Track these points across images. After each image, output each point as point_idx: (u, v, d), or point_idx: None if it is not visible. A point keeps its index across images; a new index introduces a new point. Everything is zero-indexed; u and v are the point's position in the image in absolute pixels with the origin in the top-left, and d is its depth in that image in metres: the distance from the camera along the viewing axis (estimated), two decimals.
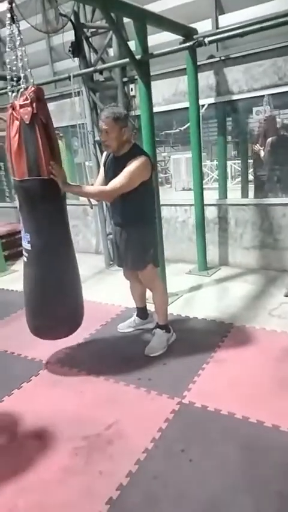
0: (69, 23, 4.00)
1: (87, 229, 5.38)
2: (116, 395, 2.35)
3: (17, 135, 2.16)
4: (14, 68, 2.34)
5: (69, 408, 2.27)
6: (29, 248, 2.36)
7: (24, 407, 2.31)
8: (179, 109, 4.37)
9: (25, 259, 2.42)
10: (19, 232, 5.50)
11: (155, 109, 3.32)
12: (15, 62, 2.32)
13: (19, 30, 2.26)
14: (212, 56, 3.87)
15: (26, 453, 1.96)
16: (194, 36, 3.49)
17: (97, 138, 4.52)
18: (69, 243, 2.52)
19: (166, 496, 1.66)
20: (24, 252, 2.42)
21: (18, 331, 3.19)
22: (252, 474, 1.72)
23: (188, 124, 4.37)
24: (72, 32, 4.14)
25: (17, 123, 2.16)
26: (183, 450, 1.90)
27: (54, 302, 2.46)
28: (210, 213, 4.35)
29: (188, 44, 3.32)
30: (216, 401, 2.19)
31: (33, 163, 2.19)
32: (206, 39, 3.14)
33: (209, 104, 4.18)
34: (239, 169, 7.48)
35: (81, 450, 1.95)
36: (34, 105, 2.13)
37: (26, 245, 2.38)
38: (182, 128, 5.48)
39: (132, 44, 3.24)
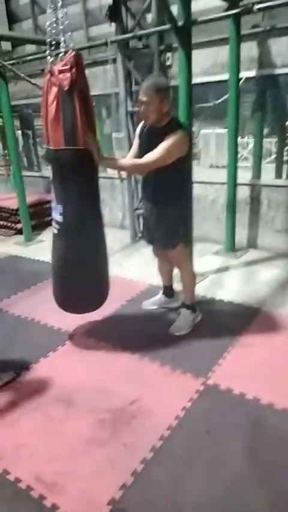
0: None
1: (114, 203, 5.33)
2: (141, 371, 2.38)
3: (55, 102, 2.09)
4: (54, 31, 2.26)
5: (95, 380, 2.31)
6: (61, 220, 2.33)
7: (51, 376, 2.36)
8: (216, 81, 4.17)
9: (55, 231, 2.40)
10: (46, 202, 5.55)
11: (192, 80, 3.17)
12: (55, 25, 2.24)
13: None
14: (256, 26, 3.63)
15: (53, 421, 2.02)
16: (241, 3, 3.27)
17: (130, 108, 4.39)
18: (100, 216, 2.49)
19: (189, 477, 1.68)
20: (54, 224, 2.40)
21: (45, 300, 3.22)
22: (275, 462, 1.72)
23: (224, 97, 4.18)
24: None
25: (55, 89, 2.08)
26: (208, 431, 1.91)
27: (83, 276, 2.45)
28: (242, 192, 4.21)
29: (235, 11, 3.11)
30: (241, 385, 2.18)
31: (70, 133, 2.13)
32: (255, 6, 2.93)
33: (247, 78, 3.96)
34: (272, 148, 7.19)
35: (105, 422, 1.99)
36: (74, 71, 2.05)
37: (57, 217, 2.35)
38: (217, 102, 5.24)
39: (173, 10, 3.06)
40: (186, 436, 1.88)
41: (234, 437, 1.87)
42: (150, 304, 3.08)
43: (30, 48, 5.53)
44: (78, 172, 2.25)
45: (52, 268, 2.55)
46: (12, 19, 5.76)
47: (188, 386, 2.21)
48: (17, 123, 6.26)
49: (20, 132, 6.47)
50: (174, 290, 3.09)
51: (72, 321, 2.85)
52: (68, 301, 2.58)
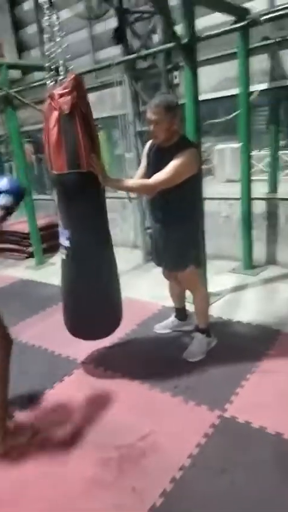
0: (111, 10, 3.86)
1: (125, 223, 5.26)
2: (151, 403, 2.22)
3: (56, 126, 2.04)
4: (53, 56, 2.24)
5: (101, 413, 2.17)
6: (68, 245, 2.25)
7: (56, 407, 2.24)
8: (225, 97, 4.10)
9: (64, 256, 2.32)
10: (57, 225, 5.54)
11: (201, 97, 3.10)
12: (53, 49, 2.22)
13: (57, 16, 2.14)
14: (266, 38, 3.56)
15: (53, 459, 1.88)
16: (247, 17, 3.21)
17: (138, 129, 4.36)
18: (109, 238, 2.40)
19: None
20: (62, 249, 2.32)
21: (53, 327, 3.13)
22: None
23: (237, 112, 4.10)
24: (114, 19, 3.99)
25: (55, 113, 2.04)
26: (224, 471, 1.72)
27: (93, 302, 2.36)
28: (258, 207, 4.05)
29: (241, 24, 3.05)
30: (261, 418, 1.99)
31: (73, 156, 2.06)
32: (262, 18, 2.85)
33: (260, 91, 3.87)
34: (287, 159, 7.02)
35: (112, 461, 1.84)
36: (74, 94, 2.00)
37: (64, 242, 2.27)
38: (229, 117, 5.16)
39: (178, 29, 3.02)
40: (200, 477, 1.71)
41: (253, 477, 1.68)
42: (162, 328, 2.93)
43: (38, 75, 5.64)
44: (83, 195, 2.18)
45: (61, 294, 2.47)
46: (22, 48, 5.92)
47: (203, 420, 2.03)
48: (32, 148, 6.37)
49: (34, 156, 6.56)
50: (187, 312, 2.93)
51: (80, 348, 2.73)
52: (79, 328, 2.48)
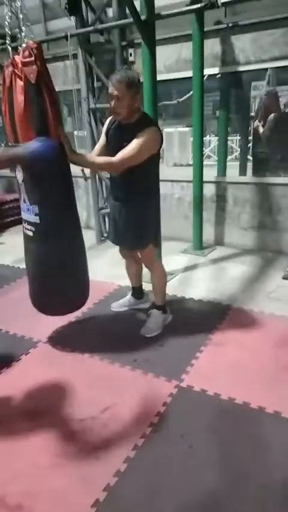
0: None
1: (78, 203, 5.11)
2: (112, 376, 2.27)
3: (23, 96, 1.95)
4: (9, 22, 2.12)
5: (63, 389, 2.18)
6: (37, 221, 2.17)
7: (15, 387, 2.21)
8: (179, 78, 4.14)
9: (29, 233, 2.24)
10: (7, 202, 5.31)
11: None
12: (11, 16, 2.10)
13: None
14: (219, 22, 3.63)
15: (18, 436, 1.87)
16: None
17: (92, 105, 4.27)
18: (77, 214, 2.37)
19: (166, 486, 1.60)
20: (27, 226, 2.24)
21: (8, 306, 3.07)
22: (253, 464, 1.68)
23: (188, 95, 4.16)
24: None
25: (20, 82, 1.94)
26: (182, 436, 1.84)
27: (65, 277, 2.34)
28: (208, 190, 4.20)
29: (199, 5, 3.08)
30: (216, 386, 2.14)
31: (42, 127, 2.00)
32: (220, 1, 2.90)
33: (209, 75, 3.96)
34: (233, 145, 7.29)
35: (76, 434, 1.87)
36: (39, 62, 1.91)
37: (31, 218, 2.19)
38: (180, 99, 5.22)
39: (136, 5, 2.98)
40: (161, 443, 1.80)
41: (209, 441, 1.81)
42: (119, 306, 2.98)
43: None
44: (53, 168, 2.11)
45: (28, 271, 2.40)
46: None
47: (162, 390, 2.13)
48: None
49: None
50: (144, 291, 3.00)
51: (36, 328, 2.70)
52: (49, 304, 2.46)
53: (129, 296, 2.99)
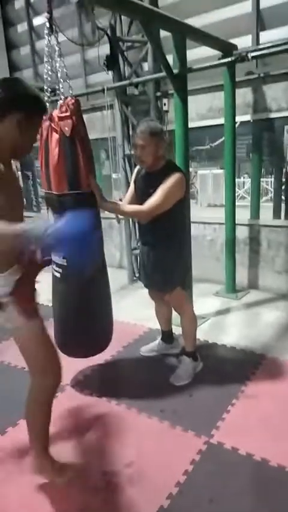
0: (105, 37, 3.98)
1: (112, 243, 5.28)
2: (138, 427, 2.18)
3: (57, 148, 2.07)
4: (50, 79, 2.29)
5: (87, 438, 2.12)
6: (64, 263, 2.23)
7: None
8: (212, 125, 4.26)
9: (57, 274, 2.30)
10: None
11: (190, 124, 3.21)
12: (51, 73, 2.27)
13: (57, 40, 2.20)
14: (251, 73, 3.75)
15: (39, 489, 1.81)
16: (234, 52, 3.39)
17: (127, 151, 4.45)
18: (103, 259, 2.42)
19: None
20: (55, 268, 2.30)
21: None
22: None
23: (220, 140, 4.25)
24: (107, 45, 4.12)
25: (56, 135, 2.07)
26: (211, 500, 1.70)
27: (89, 321, 2.36)
28: (241, 232, 4.16)
29: (230, 59, 3.21)
30: (248, 444, 2.00)
31: (73, 177, 2.10)
32: (250, 54, 3.02)
33: (241, 122, 4.05)
34: (267, 187, 7.28)
35: (99, 488, 1.79)
36: (74, 117, 2.04)
37: (59, 260, 2.25)
38: (213, 144, 5.35)
39: (169, 59, 3.15)
40: (188, 507, 1.68)
41: (240, 507, 1.66)
42: (149, 351, 2.92)
43: None
44: None
45: (54, 313, 2.44)
46: (14, 68, 6.00)
47: (190, 446, 2.02)
48: (18, 164, 6.34)
49: (20, 173, 6.55)
50: (174, 336, 2.94)
51: (66, 371, 2.64)
52: (75, 346, 2.45)
53: (158, 340, 2.93)
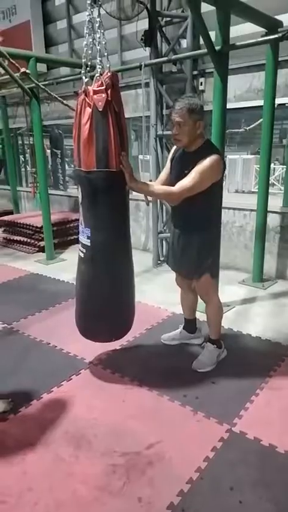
0: (144, 11, 3.85)
1: (138, 226, 5.24)
2: (160, 410, 2.18)
3: (88, 123, 2.01)
4: (90, 52, 2.21)
5: (109, 417, 2.13)
6: (88, 244, 2.22)
7: (62, 408, 2.20)
8: (249, 107, 4.09)
9: (81, 254, 2.29)
10: (71, 221, 5.53)
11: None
12: (91, 46, 2.20)
13: (99, 12, 2.12)
14: None
15: (61, 462, 1.84)
16: (279, 29, 3.20)
17: (160, 132, 4.34)
18: (129, 241, 2.37)
19: None
20: (81, 247, 2.29)
21: (63, 324, 3.11)
22: None
23: (256, 123, 4.08)
24: (144, 21, 3.98)
25: (88, 110, 2.01)
26: (232, 488, 1.69)
27: (109, 304, 2.33)
28: (272, 220, 4.04)
29: (275, 36, 3.04)
30: (271, 436, 1.96)
31: (103, 154, 2.04)
32: None
33: (279, 104, 3.86)
34: None
35: (119, 468, 1.80)
36: (109, 91, 1.98)
37: (84, 240, 2.24)
38: (248, 128, 5.16)
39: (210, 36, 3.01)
40: (209, 493, 1.67)
41: (262, 498, 1.64)
42: (170, 339, 2.85)
43: (64, 70, 5.64)
44: (109, 195, 2.15)
45: (76, 293, 2.43)
46: (50, 42, 5.92)
47: (212, 433, 2.00)
48: (47, 142, 6.34)
49: (49, 151, 6.55)
50: (197, 325, 2.87)
51: (89, 348, 2.70)
52: (91, 329, 2.45)
53: (180, 329, 2.87)
